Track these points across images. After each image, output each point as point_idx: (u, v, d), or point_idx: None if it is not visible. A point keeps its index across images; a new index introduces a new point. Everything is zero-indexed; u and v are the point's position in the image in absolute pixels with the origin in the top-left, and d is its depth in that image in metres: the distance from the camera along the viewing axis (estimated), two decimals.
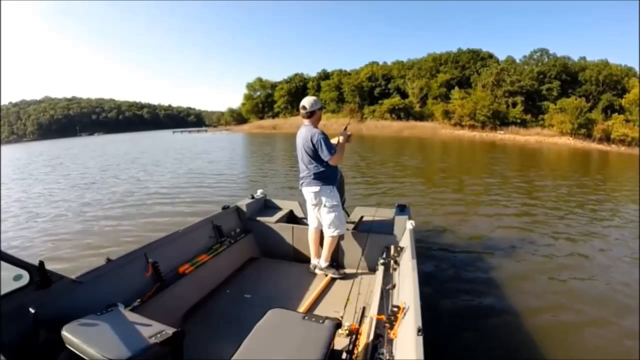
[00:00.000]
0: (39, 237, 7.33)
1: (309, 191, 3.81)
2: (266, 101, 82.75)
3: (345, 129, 3.88)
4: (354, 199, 9.42)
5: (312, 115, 3.71)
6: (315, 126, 3.74)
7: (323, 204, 3.77)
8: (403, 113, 55.53)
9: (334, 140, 3.78)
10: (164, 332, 2.08)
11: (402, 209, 4.33)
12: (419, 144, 34.61)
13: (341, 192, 3.98)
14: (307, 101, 3.72)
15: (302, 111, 3.73)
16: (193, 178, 14.69)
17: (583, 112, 39.58)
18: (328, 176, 3.73)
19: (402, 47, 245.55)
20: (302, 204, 4.78)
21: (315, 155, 3.64)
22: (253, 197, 5.02)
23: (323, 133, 3.61)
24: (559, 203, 10.10)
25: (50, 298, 2.31)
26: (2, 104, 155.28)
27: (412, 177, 14.49)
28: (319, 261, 3.98)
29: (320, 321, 2.14)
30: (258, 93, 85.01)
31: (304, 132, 3.72)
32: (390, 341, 2.13)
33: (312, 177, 3.71)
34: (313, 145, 3.59)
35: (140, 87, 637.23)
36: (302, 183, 3.84)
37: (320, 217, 3.90)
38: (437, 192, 11.30)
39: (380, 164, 18.40)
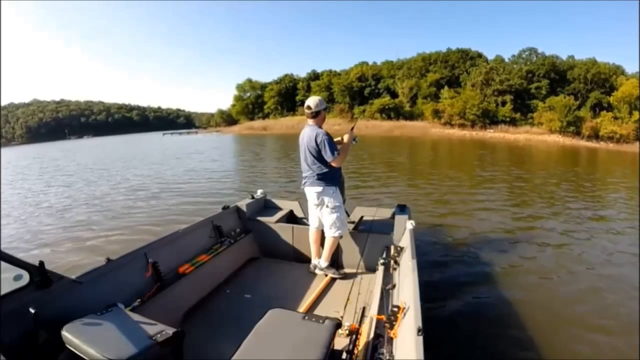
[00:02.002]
0: (39, 238, 7.31)
1: (311, 191, 3.80)
2: (256, 102, 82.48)
3: (352, 129, 3.92)
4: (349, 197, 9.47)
5: (317, 115, 3.70)
6: (320, 126, 3.73)
7: (325, 205, 3.77)
8: (393, 113, 55.57)
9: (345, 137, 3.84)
10: (164, 332, 2.10)
11: (402, 209, 4.33)
12: (410, 143, 34.76)
13: (342, 192, 3.96)
14: (312, 101, 3.70)
15: (306, 111, 3.72)
16: (190, 178, 14.72)
17: (572, 110, 39.92)
18: (331, 177, 3.73)
19: (391, 47, 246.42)
20: (302, 204, 4.81)
21: (319, 156, 3.63)
22: (253, 197, 5.02)
23: (327, 134, 3.60)
24: (552, 198, 10.28)
25: (50, 298, 2.32)
26: None
27: (405, 176, 14.54)
28: (319, 261, 3.97)
29: (320, 321, 2.15)
30: (248, 94, 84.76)
31: (308, 132, 3.71)
32: (390, 341, 2.13)
33: (316, 177, 3.71)
34: (317, 145, 3.58)
35: (129, 89, 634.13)
36: (305, 183, 3.83)
37: (322, 217, 3.89)
38: (434, 191, 11.29)
39: (371, 163, 18.39)
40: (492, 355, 3.47)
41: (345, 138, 3.85)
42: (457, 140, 39.29)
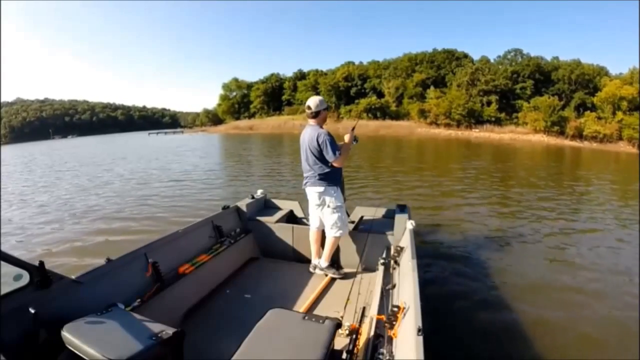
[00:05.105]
0: (39, 237, 7.23)
1: (313, 191, 3.78)
2: (242, 101, 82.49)
3: (353, 129, 3.86)
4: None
5: (318, 115, 3.68)
6: (321, 126, 3.70)
7: (327, 205, 3.76)
8: (379, 112, 55.65)
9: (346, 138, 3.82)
10: (164, 332, 2.10)
11: (402, 209, 4.37)
12: (397, 142, 35.02)
13: (342, 192, 3.94)
14: (312, 101, 3.69)
15: (307, 111, 3.71)
16: (186, 178, 14.60)
17: (556, 110, 40.70)
18: (333, 177, 3.72)
19: (378, 47, 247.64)
20: (302, 204, 4.84)
21: (320, 156, 3.61)
22: (253, 197, 5.02)
23: (329, 133, 3.58)
24: (545, 195, 10.53)
25: (50, 298, 2.32)
26: None
27: (398, 175, 14.52)
28: (319, 261, 3.96)
29: (321, 321, 2.16)
30: (234, 93, 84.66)
31: (309, 132, 3.69)
32: (390, 341, 2.13)
33: (317, 177, 3.69)
34: (318, 145, 3.56)
35: (114, 88, 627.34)
36: (306, 183, 3.81)
37: (323, 217, 3.88)
38: (429, 190, 11.34)
39: (367, 163, 18.42)
40: (493, 355, 3.46)
41: (346, 138, 3.81)
42: (443, 139, 39.68)
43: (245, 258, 4.40)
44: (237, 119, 79.25)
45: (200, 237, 3.98)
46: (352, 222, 4.36)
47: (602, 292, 4.67)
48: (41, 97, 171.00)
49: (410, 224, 3.51)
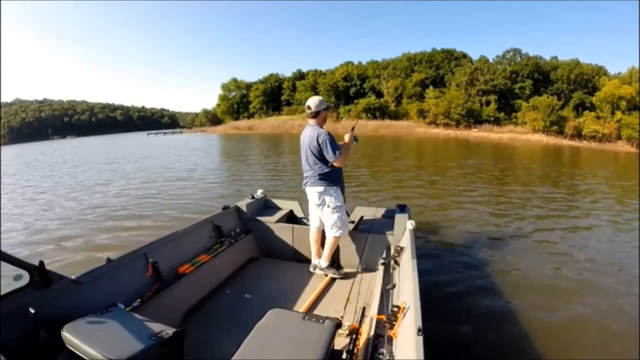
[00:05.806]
0: (39, 237, 7.22)
1: (313, 191, 3.78)
2: (241, 102, 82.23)
3: (353, 129, 3.85)
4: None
5: (317, 115, 3.68)
6: (321, 126, 3.71)
7: (327, 204, 3.76)
8: (378, 112, 55.54)
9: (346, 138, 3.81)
10: (164, 332, 2.11)
11: (402, 209, 4.36)
12: (396, 142, 35.07)
13: (342, 192, 3.93)
14: (312, 101, 3.69)
15: (307, 111, 3.71)
16: (187, 178, 14.59)
17: (555, 110, 40.73)
18: (333, 177, 3.71)
19: (377, 47, 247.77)
20: (302, 204, 4.83)
21: (320, 156, 3.61)
22: (253, 197, 5.02)
23: (329, 133, 3.58)
24: (542, 192, 10.67)
25: (50, 298, 2.32)
26: None
27: (397, 175, 14.54)
28: (320, 261, 3.95)
29: (321, 321, 2.16)
30: (233, 94, 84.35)
31: (309, 132, 3.69)
32: (391, 341, 2.13)
33: (317, 177, 3.68)
34: (318, 145, 3.56)
35: (113, 89, 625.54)
36: (306, 183, 3.81)
37: (322, 217, 3.87)
38: (429, 190, 11.32)
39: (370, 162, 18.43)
40: (493, 355, 3.46)
41: (346, 138, 3.80)
42: (442, 139, 39.71)
43: (245, 258, 4.40)
44: (236, 119, 79.07)
45: (200, 237, 3.98)
46: (352, 222, 4.35)
47: (598, 284, 4.78)
48: (40, 98, 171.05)
49: (410, 224, 3.49)
